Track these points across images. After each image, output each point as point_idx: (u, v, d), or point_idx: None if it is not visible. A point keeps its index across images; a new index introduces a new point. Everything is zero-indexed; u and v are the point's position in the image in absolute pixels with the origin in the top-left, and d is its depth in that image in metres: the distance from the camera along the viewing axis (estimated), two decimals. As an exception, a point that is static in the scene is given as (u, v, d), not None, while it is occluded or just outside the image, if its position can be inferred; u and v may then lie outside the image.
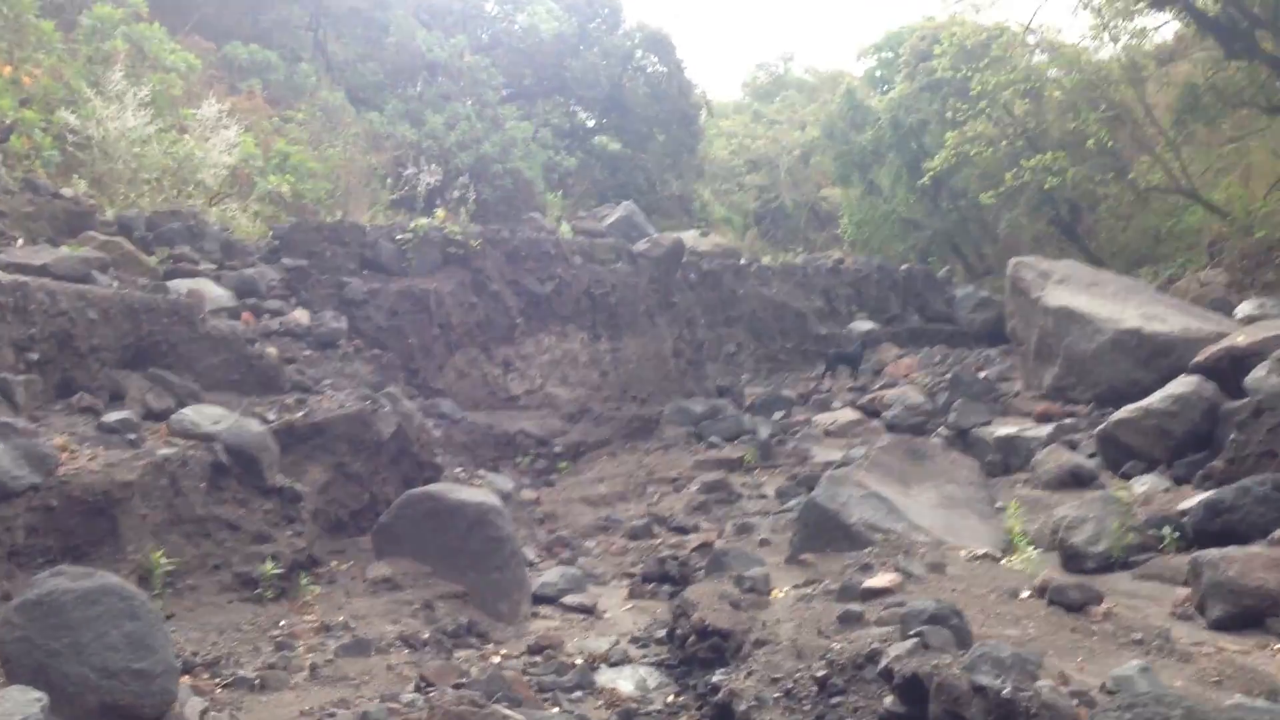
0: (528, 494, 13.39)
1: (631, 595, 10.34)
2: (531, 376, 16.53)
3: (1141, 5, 31.48)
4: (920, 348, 26.30)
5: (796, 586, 8.58)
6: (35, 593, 6.38)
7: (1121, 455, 10.99)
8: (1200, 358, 12.03)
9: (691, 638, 7.95)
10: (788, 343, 24.77)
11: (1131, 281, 15.21)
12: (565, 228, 18.18)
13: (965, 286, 30.25)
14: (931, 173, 34.64)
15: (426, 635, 8.40)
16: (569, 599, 9.96)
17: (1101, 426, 11.30)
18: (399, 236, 15.86)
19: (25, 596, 6.37)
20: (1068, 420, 12.67)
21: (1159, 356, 12.85)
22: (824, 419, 18.66)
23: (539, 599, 9.97)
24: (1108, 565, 8.46)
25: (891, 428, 18.32)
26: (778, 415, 19.00)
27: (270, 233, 15.51)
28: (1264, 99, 28.23)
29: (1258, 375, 9.74)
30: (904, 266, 29.65)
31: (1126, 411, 11.05)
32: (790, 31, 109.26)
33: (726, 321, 23.33)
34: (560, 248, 17.44)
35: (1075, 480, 10.60)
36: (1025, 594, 7.47)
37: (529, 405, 16.37)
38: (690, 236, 25.20)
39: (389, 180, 19.83)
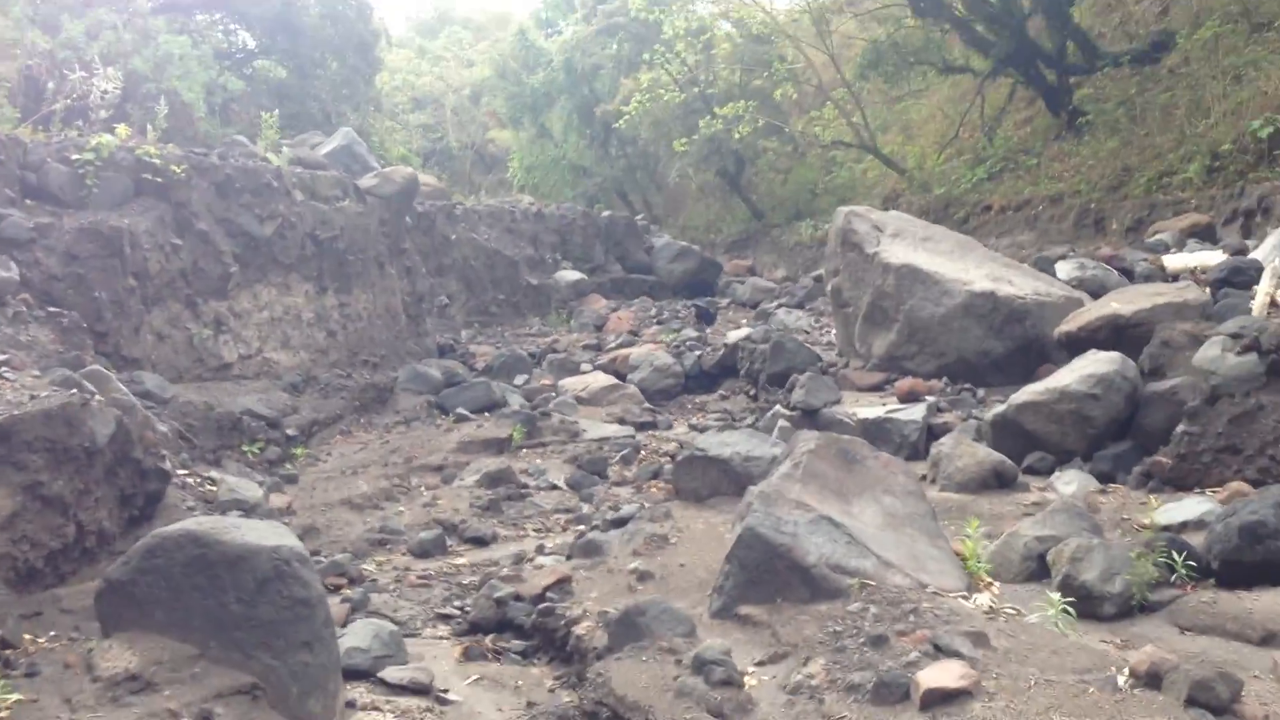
0: (276, 500, 9.84)
1: (468, 656, 7.28)
2: (248, 339, 12.72)
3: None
4: (626, 299, 24.15)
5: (761, 664, 5.88)
6: None
7: (1022, 445, 8.95)
8: (1070, 327, 10.24)
9: (651, 768, 5.09)
10: (500, 293, 21.79)
11: (963, 237, 13.37)
12: (278, 157, 14.30)
13: (662, 236, 28.23)
14: (624, 119, 32.42)
15: (225, 786, 5.06)
16: (392, 674, 6.76)
17: (999, 411, 9.22)
18: (75, 157, 11.59)
19: None
20: (929, 397, 10.60)
21: (1013, 323, 11.01)
22: (573, 384, 15.98)
23: (349, 673, 6.72)
24: (1128, 609, 6.30)
25: (644, 392, 16.03)
26: (520, 380, 16.12)
27: (-115, 145, 10.91)
28: (940, 58, 27.87)
29: (1210, 354, 7.90)
30: (606, 214, 27.27)
31: (1032, 394, 9.01)
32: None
33: (439, 270, 20.05)
34: (281, 180, 13.60)
35: (998, 481, 8.46)
36: (1123, 680, 5.15)
37: (244, 374, 12.60)
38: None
39: (53, 89, 15.09)
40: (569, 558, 8.62)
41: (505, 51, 41.06)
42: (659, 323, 21.33)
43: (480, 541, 9.68)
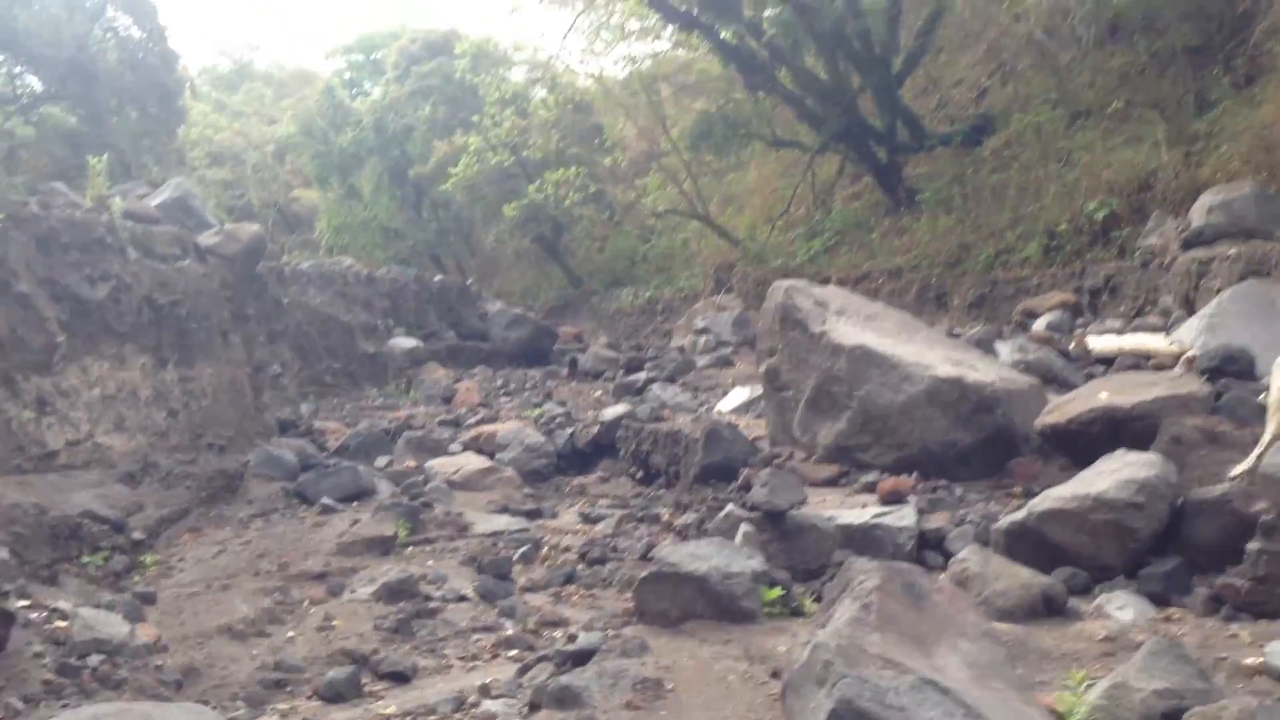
0: (143, 633, 7.56)
1: None
2: (76, 421, 10.27)
3: (646, 27, 29.64)
4: (464, 368, 22.28)
5: None
6: None
7: (1046, 559, 7.61)
8: (1056, 419, 9.07)
9: None
10: (335, 362, 19.52)
11: (904, 315, 12.12)
12: (116, 204, 11.89)
13: (494, 302, 26.49)
14: (451, 180, 30.70)
15: None
16: None
17: (1016, 519, 7.88)
18: None
19: None
20: (910, 499, 9.19)
21: (983, 413, 9.71)
22: (442, 466, 14.01)
23: None
24: (1295, 791, 5.02)
25: (521, 472, 14.25)
26: (382, 461, 14.03)
27: None
28: (770, 132, 27.33)
29: (1281, 459, 6.84)
30: (438, 278, 25.36)
31: (1060, 500, 7.71)
32: (251, 21, 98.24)
33: (271, 337, 17.66)
34: (115, 235, 11.22)
35: (1047, 608, 7.12)
36: None
37: (72, 464, 10.14)
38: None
39: None
40: (535, 707, 6.72)
41: (312, 109, 38.66)
42: (506, 393, 19.59)
43: (401, 678, 7.70)
